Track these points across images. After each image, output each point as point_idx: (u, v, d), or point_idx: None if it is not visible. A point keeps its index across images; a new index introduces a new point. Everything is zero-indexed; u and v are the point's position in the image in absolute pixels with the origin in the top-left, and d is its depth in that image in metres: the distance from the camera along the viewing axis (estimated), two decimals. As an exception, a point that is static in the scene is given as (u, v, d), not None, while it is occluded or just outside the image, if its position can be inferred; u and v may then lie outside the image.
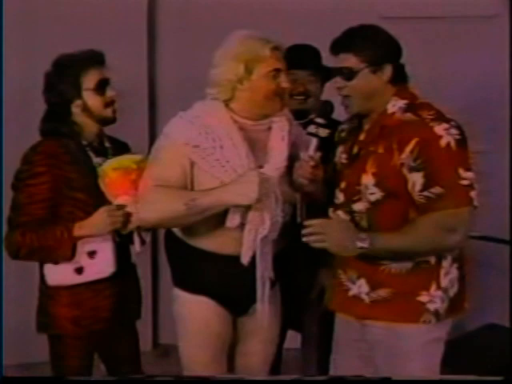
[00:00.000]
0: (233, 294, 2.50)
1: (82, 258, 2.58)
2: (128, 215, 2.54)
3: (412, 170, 2.26)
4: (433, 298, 2.33)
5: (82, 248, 2.56)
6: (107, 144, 2.70)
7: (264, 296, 2.48)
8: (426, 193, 2.25)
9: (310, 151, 2.35)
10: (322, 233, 2.24)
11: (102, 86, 2.61)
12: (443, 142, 2.24)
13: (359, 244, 2.23)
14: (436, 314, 2.34)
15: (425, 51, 3.94)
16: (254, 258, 2.43)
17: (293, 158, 2.44)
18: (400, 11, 3.93)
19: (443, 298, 2.35)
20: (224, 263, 2.45)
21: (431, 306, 2.34)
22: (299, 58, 2.92)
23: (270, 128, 2.48)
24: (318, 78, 2.97)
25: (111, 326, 2.65)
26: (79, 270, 2.59)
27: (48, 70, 2.64)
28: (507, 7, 3.97)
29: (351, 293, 2.41)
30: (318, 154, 2.37)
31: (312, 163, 2.34)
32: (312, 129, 2.37)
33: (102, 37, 3.67)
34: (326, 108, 2.49)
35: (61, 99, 2.60)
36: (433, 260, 2.34)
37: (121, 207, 2.54)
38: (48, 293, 2.64)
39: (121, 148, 2.69)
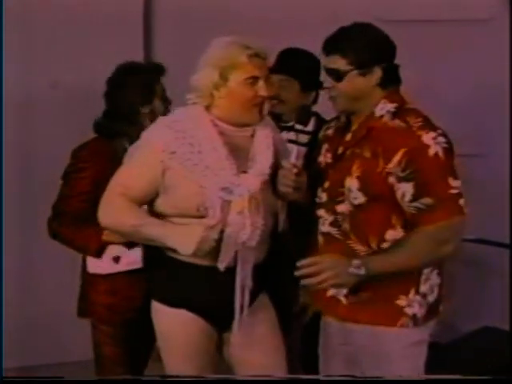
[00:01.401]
0: (214, 307, 2.45)
1: (119, 248, 2.70)
2: None
3: (401, 180, 2.25)
4: (411, 303, 2.34)
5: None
6: None
7: (243, 305, 2.43)
8: (416, 203, 2.24)
9: (292, 159, 2.33)
10: (316, 272, 2.19)
11: (165, 95, 2.81)
12: (431, 152, 2.23)
13: (355, 271, 2.20)
14: (414, 318, 2.35)
15: (422, 54, 3.94)
16: (234, 269, 2.40)
17: (276, 166, 2.42)
18: (397, 14, 3.93)
19: (421, 304, 2.35)
20: (204, 274, 2.40)
21: (409, 311, 2.34)
22: (290, 65, 2.94)
23: (253, 135, 2.45)
24: (293, 83, 2.94)
25: (142, 317, 2.68)
26: (116, 259, 2.71)
27: (116, 73, 2.81)
28: (506, 10, 3.96)
29: (329, 293, 2.40)
30: (301, 161, 2.35)
31: (295, 171, 2.31)
32: (292, 136, 2.34)
33: (97, 40, 3.73)
34: (304, 113, 2.45)
35: (129, 102, 2.76)
36: None
37: None
38: (88, 280, 2.79)
39: None
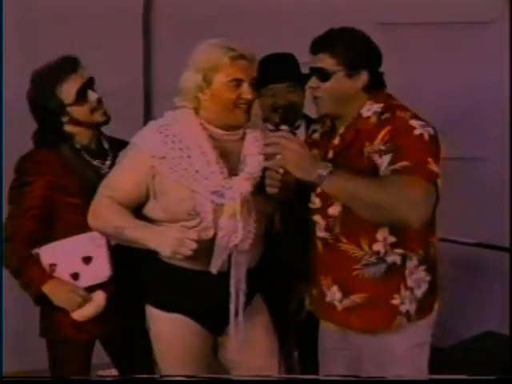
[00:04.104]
0: (208, 312, 2.45)
1: (77, 264, 2.58)
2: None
3: (382, 153, 2.21)
4: (403, 300, 2.33)
5: (77, 254, 2.57)
6: (106, 145, 2.68)
7: (238, 309, 2.43)
8: (393, 166, 2.17)
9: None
10: (282, 146, 2.13)
11: (82, 95, 2.56)
12: (417, 132, 2.20)
13: (319, 170, 2.12)
14: (407, 315, 2.34)
15: (420, 57, 3.93)
16: (228, 273, 2.39)
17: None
18: (396, 17, 3.92)
19: (411, 299, 2.34)
20: (198, 279, 2.40)
21: (403, 308, 2.33)
22: (274, 71, 2.90)
23: (243, 138, 2.45)
24: (297, 87, 2.93)
25: (116, 330, 2.64)
26: (75, 276, 2.59)
27: (28, 88, 2.59)
28: (505, 13, 3.95)
29: (327, 299, 2.41)
30: None
31: (281, 171, 2.28)
32: None
33: (98, 41, 3.70)
34: (289, 113, 2.44)
35: (47, 115, 2.56)
36: (398, 261, 2.31)
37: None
38: (48, 299, 2.60)
39: (121, 147, 2.52)
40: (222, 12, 3.84)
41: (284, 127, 2.28)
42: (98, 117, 2.60)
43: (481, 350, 3.45)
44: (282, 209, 2.51)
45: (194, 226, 2.32)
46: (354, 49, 2.30)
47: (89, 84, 2.58)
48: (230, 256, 2.39)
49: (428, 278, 2.37)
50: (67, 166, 2.54)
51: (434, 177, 2.16)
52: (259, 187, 2.39)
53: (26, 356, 3.71)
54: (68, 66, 2.56)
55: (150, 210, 2.41)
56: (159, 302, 2.48)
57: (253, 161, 2.41)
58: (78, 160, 2.56)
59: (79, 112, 2.57)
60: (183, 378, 2.37)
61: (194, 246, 2.21)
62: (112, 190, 2.39)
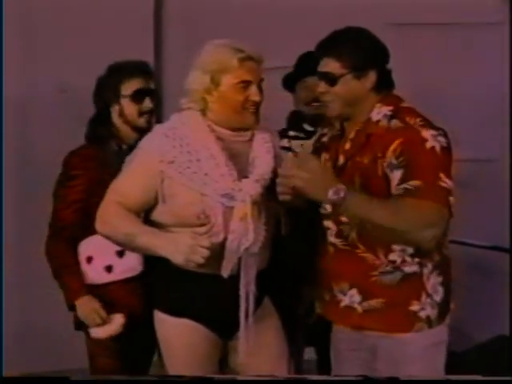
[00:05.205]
0: (218, 316, 2.42)
1: (111, 257, 2.66)
2: None
3: (393, 167, 2.21)
4: (424, 306, 2.32)
5: (111, 247, 2.59)
6: None
7: (248, 311, 2.40)
8: (404, 185, 2.18)
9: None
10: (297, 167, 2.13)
11: (139, 95, 2.72)
12: (428, 145, 2.19)
13: (331, 195, 2.11)
14: (428, 320, 2.33)
15: (428, 57, 3.95)
16: (237, 276, 2.37)
17: (276, 171, 2.37)
18: (405, 18, 3.93)
19: (432, 304, 2.33)
20: (207, 283, 2.37)
21: (423, 314, 2.33)
22: (308, 64, 2.90)
23: (251, 140, 2.42)
24: None
25: (142, 324, 2.63)
26: (109, 269, 2.66)
27: (101, 74, 2.78)
28: (508, 14, 3.96)
29: (343, 304, 2.39)
30: None
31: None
32: (285, 143, 2.29)
33: (107, 42, 3.72)
34: (296, 119, 2.42)
35: (103, 103, 2.74)
36: (417, 269, 2.31)
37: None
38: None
39: None
40: (234, 12, 3.87)
41: (291, 133, 2.26)
42: (142, 122, 2.73)
43: (494, 354, 3.44)
44: (290, 212, 2.48)
45: (206, 232, 2.29)
46: (359, 50, 2.28)
47: (150, 92, 2.75)
48: (239, 258, 2.36)
49: (442, 280, 2.36)
50: (111, 164, 2.59)
51: (446, 196, 2.18)
52: (268, 189, 2.37)
53: (26, 356, 3.71)
54: (140, 68, 2.76)
55: (158, 214, 2.38)
56: (167, 306, 2.46)
57: (262, 162, 2.39)
58: (122, 158, 2.57)
59: (129, 109, 2.72)
60: (183, 379, 2.31)
61: (206, 253, 2.17)
62: (120, 195, 2.36)
